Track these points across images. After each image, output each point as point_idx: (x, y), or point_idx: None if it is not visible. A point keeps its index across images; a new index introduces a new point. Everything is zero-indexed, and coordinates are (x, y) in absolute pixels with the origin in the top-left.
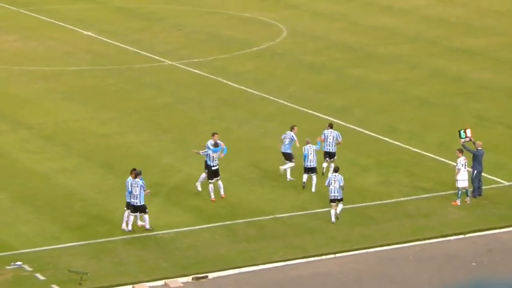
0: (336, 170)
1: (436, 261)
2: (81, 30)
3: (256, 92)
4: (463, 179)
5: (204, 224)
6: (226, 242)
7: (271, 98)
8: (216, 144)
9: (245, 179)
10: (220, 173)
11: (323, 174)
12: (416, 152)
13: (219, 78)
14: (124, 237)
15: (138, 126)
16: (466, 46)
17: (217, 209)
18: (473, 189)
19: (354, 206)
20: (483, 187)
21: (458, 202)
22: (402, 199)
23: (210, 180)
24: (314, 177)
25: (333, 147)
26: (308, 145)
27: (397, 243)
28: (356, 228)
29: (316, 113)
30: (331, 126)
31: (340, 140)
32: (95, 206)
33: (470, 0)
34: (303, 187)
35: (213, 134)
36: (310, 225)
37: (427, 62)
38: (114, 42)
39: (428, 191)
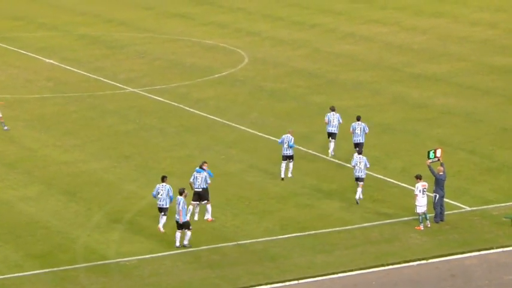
0: (359, 153)
1: (399, 287)
2: (43, 58)
3: (218, 119)
4: (421, 205)
5: (167, 251)
6: (189, 268)
7: (233, 124)
8: (201, 167)
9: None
10: (208, 197)
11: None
12: (378, 178)
13: (181, 105)
14: (86, 264)
15: (101, 154)
16: (428, 72)
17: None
18: (435, 214)
19: (317, 232)
20: (445, 212)
21: (421, 227)
22: (365, 225)
23: (193, 202)
24: (290, 164)
25: (362, 138)
26: (287, 135)
27: (360, 269)
28: (319, 255)
29: (278, 139)
30: (358, 118)
31: (367, 131)
32: (57, 234)
33: (432, 27)
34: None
35: (202, 164)
36: (273, 251)
37: (389, 89)
38: (76, 70)
39: (391, 216)
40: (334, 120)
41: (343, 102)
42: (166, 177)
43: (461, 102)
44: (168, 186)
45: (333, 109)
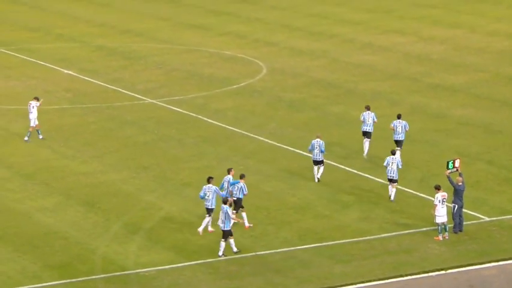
0: (393, 153)
1: None
2: (61, 69)
3: (236, 129)
4: (440, 215)
5: (186, 262)
6: (208, 279)
7: (251, 135)
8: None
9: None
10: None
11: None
12: (397, 188)
13: (200, 116)
14: (105, 275)
15: (119, 164)
16: (446, 83)
17: (198, 246)
18: (454, 224)
19: (335, 242)
20: (464, 223)
21: (440, 237)
22: (383, 235)
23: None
24: (321, 168)
25: (402, 136)
26: (316, 139)
27: (378, 280)
28: (337, 265)
29: (297, 150)
30: (399, 116)
31: (407, 128)
32: (76, 244)
33: (449, 38)
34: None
35: (228, 171)
36: (291, 262)
37: (408, 99)
38: (95, 81)
39: (409, 227)
40: (369, 119)
41: (362, 112)
42: (212, 178)
43: (479, 113)
44: (214, 187)
45: (368, 108)
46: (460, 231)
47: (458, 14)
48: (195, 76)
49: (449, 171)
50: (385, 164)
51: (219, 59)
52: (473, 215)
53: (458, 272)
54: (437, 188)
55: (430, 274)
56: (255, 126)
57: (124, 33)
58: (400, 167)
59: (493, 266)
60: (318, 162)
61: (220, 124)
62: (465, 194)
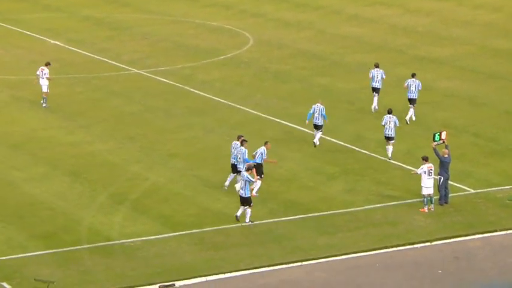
0: (389, 112)
1: (402, 269)
2: (48, 39)
3: (222, 101)
4: (427, 186)
5: (171, 233)
6: (193, 250)
7: (238, 106)
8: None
9: (212, 187)
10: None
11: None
12: (383, 160)
13: (186, 87)
14: (91, 245)
15: (106, 135)
16: (431, 55)
17: (184, 217)
18: (440, 196)
19: (320, 214)
20: (450, 195)
21: (425, 209)
22: (369, 207)
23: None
24: (319, 133)
25: (416, 94)
26: (317, 104)
27: (363, 251)
28: (322, 237)
29: (283, 121)
30: (413, 75)
31: (420, 88)
32: (61, 215)
33: (436, 10)
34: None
35: (265, 143)
36: (276, 233)
37: (394, 71)
38: (81, 51)
39: (395, 198)
40: (378, 75)
41: (348, 84)
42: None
43: (464, 86)
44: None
45: (377, 65)
46: (446, 203)
47: None
48: (181, 47)
49: (435, 143)
50: (382, 123)
51: (206, 30)
52: (459, 187)
53: (444, 243)
54: (425, 159)
55: (415, 246)
56: (242, 98)
57: (111, 4)
58: (397, 124)
59: (478, 238)
60: (317, 127)
61: (206, 95)
62: (451, 166)
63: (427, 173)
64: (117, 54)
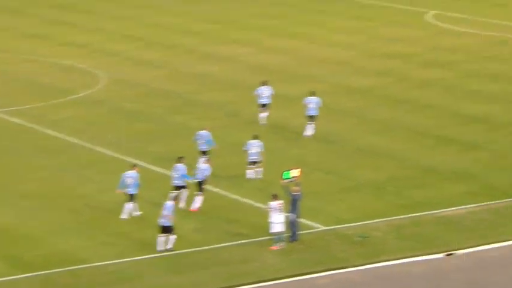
0: (254, 138)
1: None
2: None
3: (74, 140)
4: (277, 223)
5: (20, 274)
6: None
7: (90, 145)
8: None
9: (63, 227)
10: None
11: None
12: (233, 198)
13: (37, 127)
14: None
15: None
16: (286, 93)
17: (32, 258)
18: (290, 234)
19: (172, 253)
20: (299, 232)
21: (276, 247)
22: (219, 246)
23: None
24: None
25: (316, 111)
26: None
27: None
28: (173, 276)
29: (136, 161)
30: (313, 93)
31: (320, 104)
32: None
33: (290, 48)
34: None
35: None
36: (126, 273)
37: (248, 109)
38: None
39: (245, 236)
40: (264, 92)
41: (203, 122)
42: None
43: (317, 123)
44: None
45: (264, 83)
46: (296, 240)
47: (299, 25)
48: (33, 86)
49: (286, 180)
50: (245, 148)
51: (58, 68)
52: (309, 224)
53: (292, 281)
54: (274, 197)
55: (265, 284)
56: (94, 137)
57: None
58: (262, 150)
59: (327, 274)
60: (204, 152)
61: (58, 135)
62: (302, 203)
63: (276, 210)
64: None
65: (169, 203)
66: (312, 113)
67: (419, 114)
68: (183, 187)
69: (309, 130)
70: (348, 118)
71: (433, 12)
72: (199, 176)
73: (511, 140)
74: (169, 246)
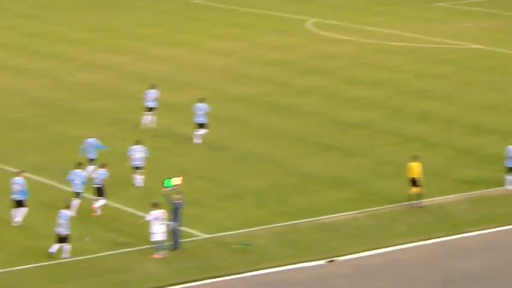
0: (136, 143)
1: None
2: None
3: None
4: (157, 233)
5: None
6: None
7: None
8: None
9: None
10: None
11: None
12: (116, 207)
13: None
14: None
15: None
16: (169, 101)
17: None
18: (172, 242)
19: (54, 262)
20: (181, 240)
21: (158, 255)
22: (101, 254)
23: None
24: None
25: (205, 119)
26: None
27: None
28: (54, 285)
29: (14, 170)
30: (202, 100)
31: (209, 110)
32: None
33: (171, 56)
34: None
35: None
36: (10, 282)
37: (129, 117)
38: None
39: (128, 245)
40: (150, 95)
41: (84, 131)
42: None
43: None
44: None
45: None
46: (178, 248)
47: (179, 33)
48: None
49: (167, 189)
50: (128, 153)
51: None
52: (191, 232)
53: None
54: (154, 206)
55: None
56: None
57: None
58: (146, 155)
59: (209, 282)
60: (91, 160)
61: None
62: (184, 211)
63: (157, 219)
64: None
65: (65, 212)
66: (201, 120)
67: (301, 121)
68: (77, 195)
69: (198, 137)
70: (230, 125)
71: (313, 20)
72: (97, 182)
73: (390, 146)
74: (65, 255)
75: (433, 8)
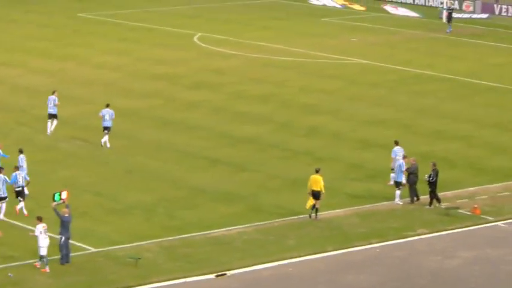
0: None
1: None
2: None
3: None
4: (43, 246)
5: None
6: None
7: None
8: None
9: None
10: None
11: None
12: (3, 220)
13: None
14: None
15: None
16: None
17: None
18: (62, 256)
19: None
20: (71, 254)
21: (47, 269)
22: None
23: None
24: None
25: (110, 122)
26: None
27: None
28: None
29: None
30: (108, 105)
31: (113, 117)
32: None
33: (58, 70)
34: None
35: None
36: None
37: (17, 130)
38: None
39: (16, 259)
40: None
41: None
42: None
43: (85, 144)
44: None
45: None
46: (67, 262)
47: (67, 47)
48: None
49: (55, 203)
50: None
51: None
52: (80, 246)
53: None
54: (39, 219)
55: None
56: None
57: None
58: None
59: None
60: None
61: None
62: (73, 225)
63: (43, 232)
64: None
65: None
66: (107, 124)
67: (189, 135)
68: (3, 199)
69: (105, 139)
70: (117, 140)
71: (200, 34)
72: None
73: (278, 160)
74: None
75: (320, 23)
